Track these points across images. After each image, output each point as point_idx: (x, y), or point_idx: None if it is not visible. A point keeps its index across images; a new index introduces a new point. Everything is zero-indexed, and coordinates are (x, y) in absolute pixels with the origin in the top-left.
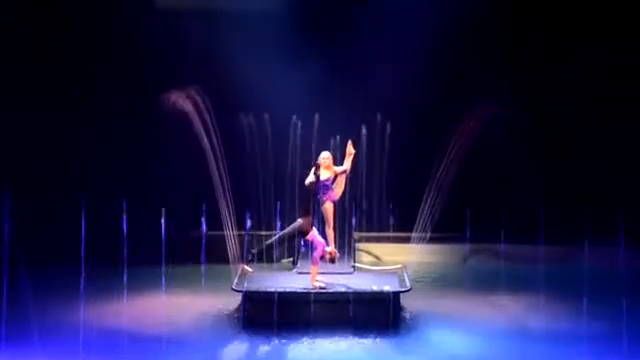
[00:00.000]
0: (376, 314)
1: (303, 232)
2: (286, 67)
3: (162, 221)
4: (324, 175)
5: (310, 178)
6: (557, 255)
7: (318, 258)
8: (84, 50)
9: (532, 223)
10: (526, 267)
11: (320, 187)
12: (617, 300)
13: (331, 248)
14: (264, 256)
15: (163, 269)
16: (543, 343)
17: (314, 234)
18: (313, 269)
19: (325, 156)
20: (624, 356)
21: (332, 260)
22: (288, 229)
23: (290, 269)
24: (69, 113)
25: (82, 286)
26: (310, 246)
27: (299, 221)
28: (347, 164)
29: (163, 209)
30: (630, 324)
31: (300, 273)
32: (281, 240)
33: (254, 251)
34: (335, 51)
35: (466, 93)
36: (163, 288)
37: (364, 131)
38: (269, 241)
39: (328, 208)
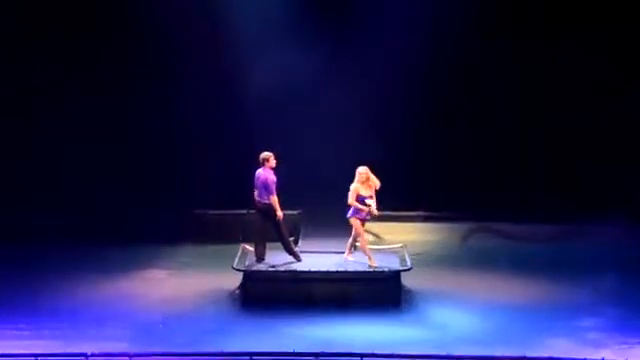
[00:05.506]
0: (377, 293)
1: None
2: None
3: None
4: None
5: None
6: (556, 234)
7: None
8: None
9: (532, 202)
10: (525, 246)
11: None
12: (613, 277)
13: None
14: None
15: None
16: (541, 319)
17: None
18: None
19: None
20: (624, 328)
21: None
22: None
23: None
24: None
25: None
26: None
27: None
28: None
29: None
30: (627, 300)
31: (301, 252)
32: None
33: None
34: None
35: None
36: (166, 266)
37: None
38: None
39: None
